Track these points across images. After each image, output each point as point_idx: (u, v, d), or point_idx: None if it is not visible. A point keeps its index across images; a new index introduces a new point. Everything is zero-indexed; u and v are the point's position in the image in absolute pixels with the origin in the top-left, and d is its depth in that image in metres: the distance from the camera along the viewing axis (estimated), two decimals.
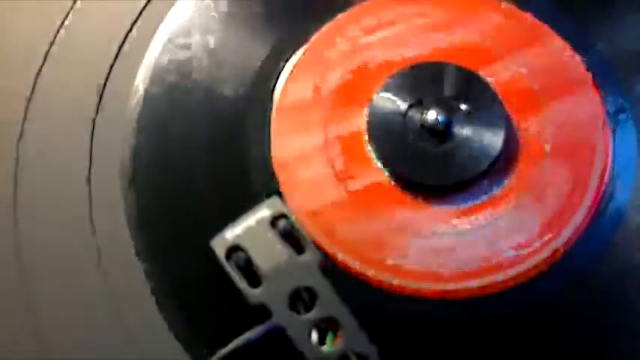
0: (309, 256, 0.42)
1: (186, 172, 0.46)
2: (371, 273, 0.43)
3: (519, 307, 0.44)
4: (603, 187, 0.45)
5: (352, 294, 0.43)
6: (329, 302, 0.42)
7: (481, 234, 0.44)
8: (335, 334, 0.42)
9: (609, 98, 0.47)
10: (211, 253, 0.43)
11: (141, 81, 0.48)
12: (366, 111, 0.46)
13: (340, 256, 0.43)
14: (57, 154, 0.47)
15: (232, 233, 0.42)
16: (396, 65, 0.47)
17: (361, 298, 0.43)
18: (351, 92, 0.46)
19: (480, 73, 0.46)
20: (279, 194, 0.44)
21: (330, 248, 0.44)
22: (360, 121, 0.46)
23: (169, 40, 0.48)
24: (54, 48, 0.49)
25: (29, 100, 0.48)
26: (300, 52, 0.48)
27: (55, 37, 0.49)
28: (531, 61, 0.47)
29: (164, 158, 0.47)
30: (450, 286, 0.43)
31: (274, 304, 0.42)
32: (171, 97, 0.47)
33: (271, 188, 0.45)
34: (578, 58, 0.47)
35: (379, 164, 0.45)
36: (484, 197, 0.45)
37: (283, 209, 0.43)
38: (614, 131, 0.46)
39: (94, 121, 0.48)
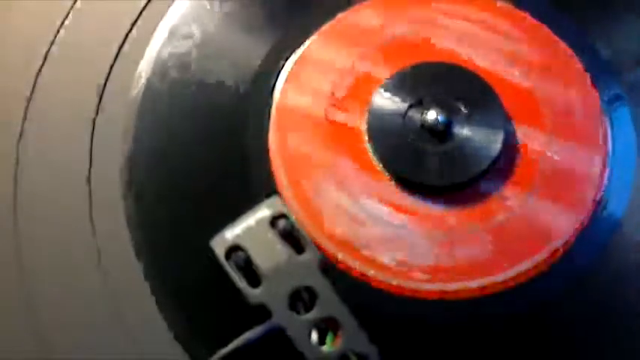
0: (308, 256, 0.42)
1: (186, 172, 0.46)
2: (371, 273, 0.43)
3: (519, 307, 0.44)
4: (603, 187, 0.45)
5: (352, 294, 0.43)
6: (329, 302, 0.42)
7: (481, 234, 0.44)
8: (335, 334, 0.42)
9: (608, 97, 0.47)
10: (211, 253, 0.42)
11: (140, 81, 0.48)
12: (366, 111, 0.46)
13: (340, 256, 0.44)
14: (57, 154, 0.47)
15: (232, 233, 0.42)
16: (396, 65, 0.47)
17: (361, 298, 0.43)
18: (351, 92, 0.46)
19: (478, 73, 0.46)
20: (279, 194, 0.44)
21: (330, 248, 0.44)
22: (360, 121, 0.46)
23: (169, 38, 0.48)
24: (54, 48, 0.49)
25: (29, 100, 0.48)
26: (299, 51, 0.48)
27: (55, 37, 0.49)
28: (530, 61, 0.47)
29: (164, 158, 0.47)
30: (450, 287, 0.43)
31: (274, 304, 0.42)
32: (170, 98, 0.47)
33: (271, 188, 0.45)
34: (576, 57, 0.47)
35: (379, 164, 0.45)
36: (484, 197, 0.45)
37: (283, 209, 0.43)
38: (612, 129, 0.46)
39: (94, 121, 0.48)
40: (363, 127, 0.46)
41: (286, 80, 0.47)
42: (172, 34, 0.49)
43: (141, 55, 0.48)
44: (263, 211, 0.43)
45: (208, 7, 0.49)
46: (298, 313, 0.42)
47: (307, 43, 0.48)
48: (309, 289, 0.42)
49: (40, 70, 0.49)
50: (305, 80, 0.47)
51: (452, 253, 0.44)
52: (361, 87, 0.46)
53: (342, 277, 0.43)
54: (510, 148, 0.45)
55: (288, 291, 0.42)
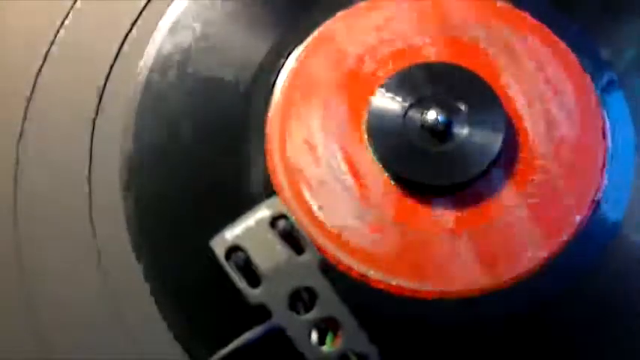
0: (308, 257, 0.42)
1: (186, 173, 0.46)
2: (371, 274, 0.43)
3: (519, 307, 0.44)
4: (602, 187, 0.45)
5: (352, 294, 0.43)
6: (329, 302, 0.42)
7: (481, 234, 0.44)
8: (335, 334, 0.42)
9: (608, 96, 0.47)
10: (211, 253, 0.42)
11: (140, 81, 0.48)
12: (366, 110, 0.46)
13: (341, 258, 0.44)
14: (57, 154, 0.47)
15: (232, 233, 0.42)
16: (396, 64, 0.47)
17: (361, 298, 0.43)
18: (352, 91, 0.46)
19: (477, 72, 0.46)
20: (278, 194, 0.44)
21: (333, 251, 0.44)
22: (360, 120, 0.46)
23: (169, 37, 0.48)
24: (54, 48, 0.49)
25: (29, 99, 0.48)
26: (299, 50, 0.48)
27: (55, 37, 0.49)
28: (530, 60, 0.47)
29: (164, 158, 0.47)
30: (450, 287, 0.44)
31: (274, 305, 0.42)
32: (169, 98, 0.47)
33: (271, 188, 0.45)
34: (576, 57, 0.47)
35: (379, 164, 0.45)
36: (484, 197, 0.45)
37: (283, 209, 0.43)
38: (611, 129, 0.46)
39: (93, 121, 0.48)
40: (364, 126, 0.46)
41: (286, 79, 0.47)
42: (172, 33, 0.49)
43: (141, 55, 0.48)
44: (263, 212, 0.43)
45: (208, 5, 0.49)
46: (298, 313, 0.42)
47: (307, 41, 0.48)
48: (309, 290, 0.42)
49: (40, 70, 0.49)
50: (305, 80, 0.47)
51: (451, 253, 0.44)
52: (362, 85, 0.46)
53: (342, 277, 0.43)
54: (510, 148, 0.45)
55: (288, 291, 0.42)
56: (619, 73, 0.47)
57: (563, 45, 0.47)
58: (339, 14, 0.48)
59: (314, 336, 0.42)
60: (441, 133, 0.45)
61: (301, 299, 0.42)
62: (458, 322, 0.44)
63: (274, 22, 0.49)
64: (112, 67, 0.48)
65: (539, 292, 0.44)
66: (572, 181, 0.45)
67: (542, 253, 0.44)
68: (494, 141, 0.45)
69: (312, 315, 0.42)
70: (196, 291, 0.45)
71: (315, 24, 0.48)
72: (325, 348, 0.41)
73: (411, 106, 0.45)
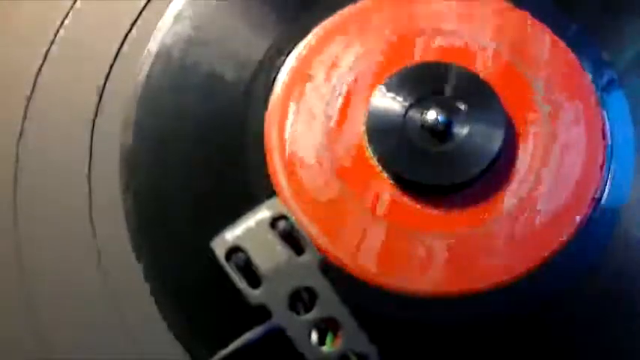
0: (308, 257, 0.42)
1: (186, 173, 0.46)
2: (371, 274, 0.43)
3: (519, 307, 0.44)
4: (602, 187, 0.45)
5: (352, 294, 0.43)
6: (329, 302, 0.42)
7: (481, 234, 0.44)
8: (335, 335, 0.42)
9: (608, 96, 0.47)
10: (211, 253, 0.43)
11: (139, 81, 0.48)
12: (366, 110, 0.46)
13: (339, 257, 0.44)
14: (57, 153, 0.47)
15: (232, 234, 0.42)
16: (396, 64, 0.47)
17: (361, 298, 0.43)
18: (352, 90, 0.46)
19: (478, 72, 0.46)
20: (278, 194, 0.44)
21: (330, 248, 0.44)
22: (361, 119, 0.46)
23: (169, 36, 0.48)
24: (54, 47, 0.49)
25: (29, 99, 0.48)
26: (300, 48, 0.48)
27: (55, 36, 0.49)
28: (529, 60, 0.47)
29: (164, 158, 0.47)
30: (450, 287, 0.44)
31: (274, 305, 0.42)
32: (169, 97, 0.47)
33: (271, 189, 0.45)
34: (576, 56, 0.47)
35: (379, 164, 0.45)
36: (484, 197, 0.45)
37: (283, 210, 0.43)
38: (611, 127, 0.46)
39: (93, 121, 0.48)
40: (364, 125, 0.46)
41: (287, 78, 0.47)
42: (172, 32, 0.49)
43: (140, 55, 0.48)
44: (263, 212, 0.43)
45: (208, 5, 0.49)
46: (298, 313, 0.42)
47: (307, 40, 0.48)
48: (309, 290, 0.42)
49: (40, 70, 0.49)
50: (305, 79, 0.47)
51: (451, 253, 0.44)
52: (362, 84, 0.46)
53: (342, 278, 0.43)
54: (510, 147, 0.45)
55: (288, 291, 0.42)
56: (619, 73, 0.47)
57: (563, 44, 0.47)
58: (340, 13, 0.48)
59: (314, 336, 0.42)
60: (441, 133, 0.44)
61: (301, 299, 0.42)
62: (458, 322, 0.44)
63: (274, 21, 0.49)
64: (111, 66, 0.48)
65: (539, 292, 0.44)
66: (572, 181, 0.45)
67: (542, 253, 0.44)
68: (494, 141, 0.45)
69: (312, 315, 0.42)
70: (196, 291, 0.45)
71: (316, 22, 0.48)
72: (325, 348, 0.42)
73: (411, 106, 0.45)
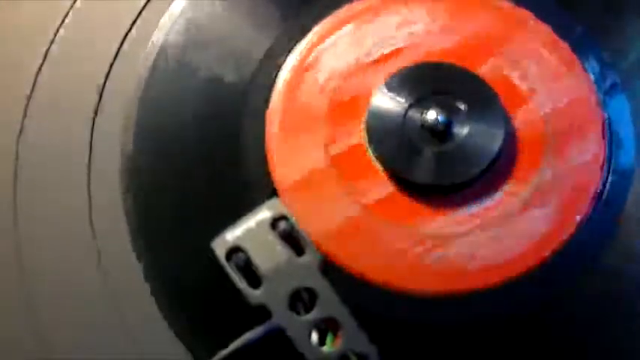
0: (308, 257, 0.43)
1: (187, 173, 0.46)
2: (372, 274, 0.43)
3: (519, 307, 0.44)
4: (602, 187, 0.45)
5: (352, 294, 0.43)
6: (329, 303, 0.42)
7: (481, 234, 0.44)
8: (335, 335, 0.42)
9: (608, 95, 0.47)
10: (211, 254, 0.43)
11: (140, 80, 0.48)
12: (366, 110, 0.46)
13: (341, 258, 0.44)
14: (57, 153, 0.47)
15: (233, 234, 0.42)
16: (395, 64, 0.47)
17: (361, 298, 0.43)
18: (353, 89, 0.46)
19: (478, 72, 0.46)
20: (279, 195, 0.44)
21: (331, 250, 0.44)
22: (361, 120, 0.46)
23: (169, 36, 0.48)
24: (54, 47, 0.49)
25: (29, 98, 0.48)
26: (301, 47, 0.48)
27: (55, 35, 0.49)
28: (529, 60, 0.47)
29: (164, 158, 0.47)
30: (450, 287, 0.44)
31: (274, 305, 0.42)
32: (169, 97, 0.47)
33: (271, 189, 0.45)
34: (576, 56, 0.47)
35: (380, 165, 0.45)
36: (484, 196, 0.45)
37: (283, 210, 0.43)
38: (611, 126, 0.46)
39: (93, 120, 0.48)
40: (364, 126, 0.46)
41: (287, 77, 0.47)
42: (172, 32, 0.49)
43: (140, 55, 0.48)
44: (263, 213, 0.43)
45: (208, 4, 0.49)
46: (298, 313, 0.42)
47: (307, 40, 0.48)
48: (309, 290, 0.42)
49: (40, 69, 0.49)
50: (306, 79, 0.47)
51: (451, 253, 0.44)
52: (363, 83, 0.46)
53: (342, 278, 0.43)
54: (510, 147, 0.45)
55: (288, 292, 0.42)
56: (622, 75, 0.47)
57: (565, 46, 0.47)
58: (341, 11, 0.48)
59: (314, 336, 0.42)
60: (441, 133, 0.44)
61: (301, 300, 0.42)
62: (458, 322, 0.44)
63: (275, 20, 0.49)
64: (111, 66, 0.48)
65: (539, 292, 0.44)
66: (572, 181, 0.45)
67: (542, 253, 0.44)
68: (494, 141, 0.45)
69: (312, 315, 0.42)
70: (197, 291, 0.45)
71: (316, 21, 0.48)
72: (325, 348, 0.42)
73: (411, 106, 0.45)
